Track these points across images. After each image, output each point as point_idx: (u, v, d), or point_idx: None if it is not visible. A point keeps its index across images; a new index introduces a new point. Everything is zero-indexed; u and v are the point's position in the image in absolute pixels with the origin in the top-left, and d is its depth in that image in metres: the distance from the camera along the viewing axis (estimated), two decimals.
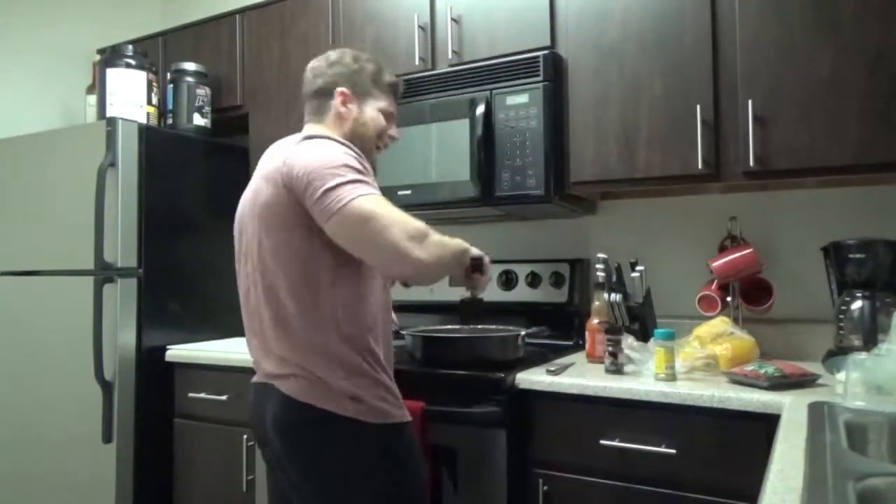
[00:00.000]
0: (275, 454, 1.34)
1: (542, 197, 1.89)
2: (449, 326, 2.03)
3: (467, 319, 1.73)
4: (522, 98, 1.91)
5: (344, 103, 1.43)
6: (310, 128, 1.45)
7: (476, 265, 1.48)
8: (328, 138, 1.33)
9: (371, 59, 1.49)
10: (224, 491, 2.13)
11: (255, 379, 1.42)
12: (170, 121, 2.55)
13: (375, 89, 1.47)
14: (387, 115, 1.49)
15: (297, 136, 1.38)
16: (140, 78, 2.44)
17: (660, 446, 1.45)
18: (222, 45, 2.64)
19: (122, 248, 2.19)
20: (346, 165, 1.25)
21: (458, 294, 1.73)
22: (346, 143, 1.34)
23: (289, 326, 1.30)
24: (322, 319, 1.29)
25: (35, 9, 2.89)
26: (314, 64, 1.49)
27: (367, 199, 1.21)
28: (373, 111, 1.46)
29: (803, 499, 0.73)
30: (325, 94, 1.45)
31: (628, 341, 1.65)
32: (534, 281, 2.18)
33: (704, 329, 1.71)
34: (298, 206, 1.26)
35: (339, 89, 1.43)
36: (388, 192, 1.62)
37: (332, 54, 1.48)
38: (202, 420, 2.20)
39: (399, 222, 1.21)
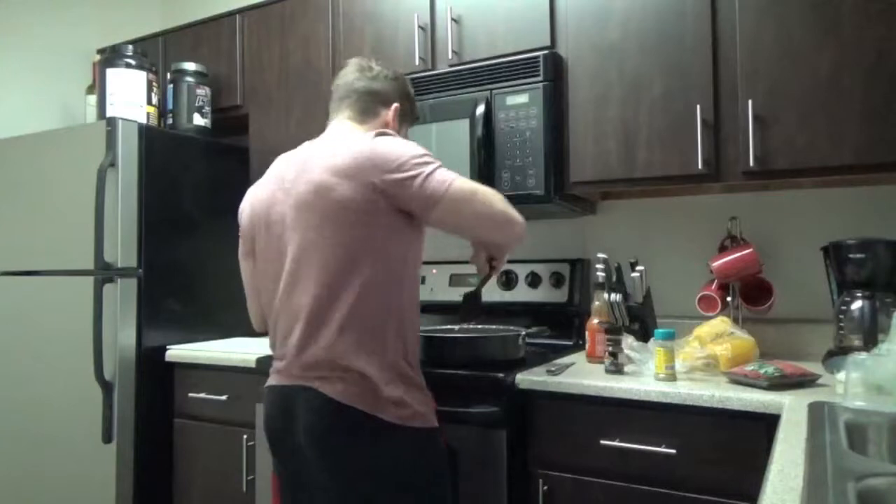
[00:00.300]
0: (306, 460, 1.29)
1: (542, 197, 1.89)
2: (449, 326, 2.03)
3: (467, 315, 1.74)
4: (522, 98, 1.91)
5: (395, 118, 1.48)
6: (350, 126, 1.43)
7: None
8: (395, 134, 1.36)
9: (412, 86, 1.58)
10: (224, 491, 2.13)
11: (277, 381, 1.36)
12: (170, 121, 2.55)
13: (410, 117, 1.55)
14: None
15: (354, 132, 1.37)
16: (140, 78, 2.44)
17: (660, 446, 1.45)
18: (222, 45, 2.64)
19: (122, 248, 2.19)
20: (427, 153, 1.32)
21: (457, 294, 1.73)
22: None
23: (351, 326, 1.26)
24: (390, 321, 1.30)
25: (35, 9, 2.89)
26: (373, 65, 1.49)
27: (461, 179, 1.30)
28: (403, 135, 1.51)
29: (803, 499, 0.73)
30: (378, 100, 1.46)
31: (628, 341, 1.65)
32: (534, 281, 2.18)
33: (704, 329, 1.71)
34: (380, 202, 1.26)
35: (396, 105, 1.48)
36: None
37: (392, 69, 1.52)
38: (202, 420, 2.20)
39: (493, 191, 1.36)
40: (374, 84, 1.46)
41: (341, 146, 1.32)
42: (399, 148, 1.29)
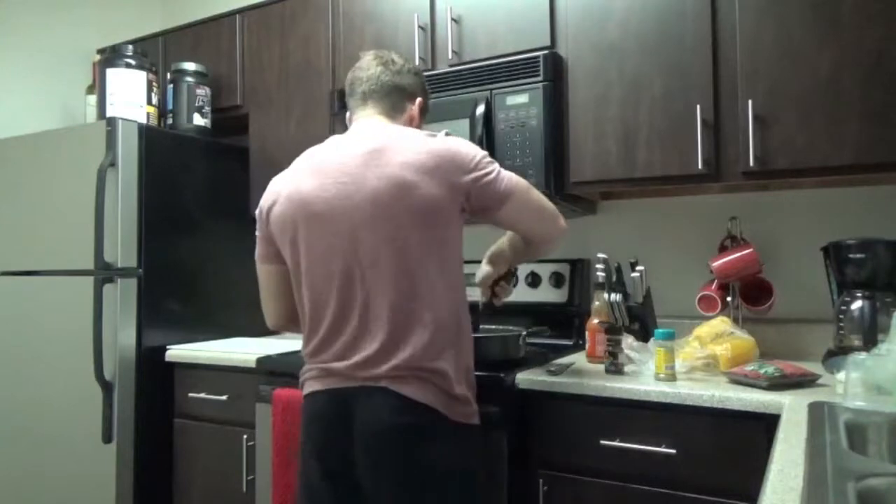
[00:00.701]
0: (367, 462, 1.25)
1: None
2: None
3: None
4: (522, 98, 1.91)
5: (419, 114, 1.49)
6: (385, 121, 1.41)
7: (509, 273, 1.64)
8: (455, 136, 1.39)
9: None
10: (224, 491, 2.13)
11: (334, 385, 1.29)
12: (170, 121, 2.55)
13: (426, 112, 1.55)
14: None
15: (408, 129, 1.36)
16: (140, 78, 2.44)
17: (659, 446, 1.45)
18: (222, 45, 2.64)
19: (122, 248, 2.19)
20: (487, 153, 1.36)
21: None
22: None
23: (436, 326, 1.26)
24: (461, 321, 1.32)
25: (35, 9, 2.89)
26: (396, 59, 1.46)
27: (515, 175, 1.38)
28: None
29: (803, 499, 0.73)
30: (405, 95, 1.45)
31: (628, 341, 1.65)
32: (534, 281, 2.18)
33: (704, 329, 1.71)
34: (458, 201, 1.29)
35: (420, 99, 1.48)
36: None
37: (411, 63, 1.50)
38: (202, 420, 2.20)
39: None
40: (399, 78, 1.44)
41: (412, 143, 1.28)
42: (472, 148, 1.34)
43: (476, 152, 1.32)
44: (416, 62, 2.14)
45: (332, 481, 1.30)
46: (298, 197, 1.32)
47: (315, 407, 1.32)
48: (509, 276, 1.65)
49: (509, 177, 1.35)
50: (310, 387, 1.34)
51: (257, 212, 1.43)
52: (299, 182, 1.34)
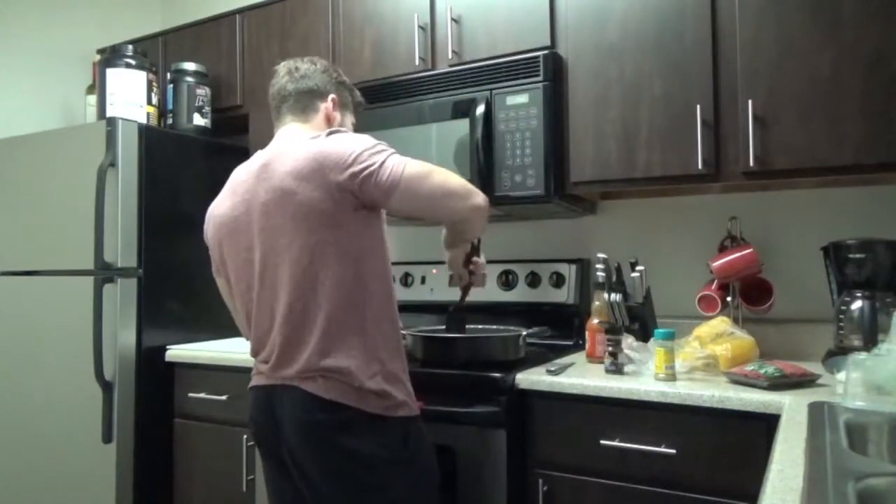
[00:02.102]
0: (292, 457, 1.32)
1: (542, 197, 1.89)
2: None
3: (454, 331, 1.76)
4: (522, 98, 1.91)
5: (334, 109, 1.50)
6: (298, 127, 1.46)
7: (474, 247, 1.63)
8: (346, 130, 1.39)
9: (346, 74, 1.60)
10: (224, 491, 2.13)
11: (261, 382, 1.39)
12: (170, 121, 2.55)
13: (351, 104, 1.58)
14: (354, 130, 1.56)
15: (305, 134, 1.39)
16: (140, 78, 2.44)
17: (660, 446, 1.45)
18: (222, 45, 2.64)
19: (122, 248, 2.19)
20: (380, 143, 1.34)
21: (457, 295, 1.74)
22: None
23: (329, 327, 1.29)
24: (366, 316, 1.32)
25: (35, 9, 2.89)
26: (300, 65, 1.50)
27: (414, 161, 1.33)
28: (348, 122, 1.56)
29: (803, 499, 0.73)
30: (315, 96, 1.48)
31: (628, 341, 1.65)
32: (534, 281, 2.18)
33: (704, 329, 1.71)
34: (344, 201, 1.28)
35: (332, 96, 1.50)
36: None
37: (318, 61, 1.53)
38: (202, 420, 2.20)
39: (451, 172, 1.40)
40: (304, 83, 1.48)
41: (296, 150, 1.33)
42: (352, 143, 1.31)
43: (354, 147, 1.29)
44: (416, 62, 2.14)
45: (276, 468, 1.40)
46: (219, 219, 1.45)
47: (251, 402, 1.43)
48: (477, 250, 1.66)
49: (394, 166, 1.29)
50: (251, 383, 1.45)
51: (203, 233, 1.55)
52: (219, 204, 1.46)
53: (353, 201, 1.29)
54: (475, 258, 1.65)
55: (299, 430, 1.29)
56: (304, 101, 1.47)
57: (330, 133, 1.35)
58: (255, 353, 1.43)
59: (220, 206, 1.46)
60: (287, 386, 1.31)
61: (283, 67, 1.52)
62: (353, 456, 1.28)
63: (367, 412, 1.28)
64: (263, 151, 1.43)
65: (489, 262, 1.85)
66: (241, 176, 1.43)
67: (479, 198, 1.41)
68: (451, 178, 1.37)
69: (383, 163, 1.29)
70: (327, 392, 1.27)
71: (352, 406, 1.27)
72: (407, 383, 1.39)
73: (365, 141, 1.33)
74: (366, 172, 1.28)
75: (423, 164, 1.34)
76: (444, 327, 1.96)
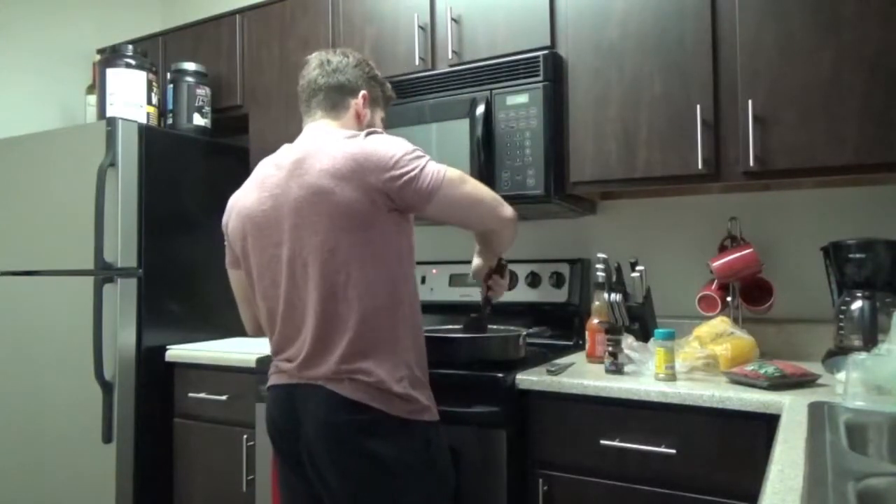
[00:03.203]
0: (311, 457, 1.30)
1: (542, 197, 1.89)
2: (450, 326, 2.03)
3: (469, 331, 1.76)
4: (522, 98, 1.91)
5: (364, 106, 1.48)
6: (329, 124, 1.43)
7: (500, 267, 1.66)
8: (382, 132, 1.38)
9: (378, 69, 1.56)
10: (224, 491, 2.13)
11: (283, 381, 1.37)
12: (170, 121, 2.55)
13: (381, 99, 1.55)
14: (384, 125, 1.57)
15: (339, 132, 1.36)
16: (140, 78, 2.44)
17: (660, 446, 1.45)
18: (222, 45, 2.64)
19: (122, 248, 2.19)
20: (418, 148, 1.34)
21: (457, 294, 1.74)
22: None
23: (362, 329, 1.28)
24: (397, 320, 1.31)
25: (35, 9, 2.89)
26: (332, 58, 1.47)
27: (450, 169, 1.35)
28: (378, 119, 1.54)
29: (803, 499, 0.73)
30: (346, 92, 1.46)
31: (628, 341, 1.65)
32: (534, 281, 2.18)
33: (704, 329, 1.71)
34: (381, 202, 1.27)
35: (363, 92, 1.48)
36: None
37: (351, 54, 1.50)
38: (202, 420, 2.20)
39: (478, 181, 1.42)
40: (335, 77, 1.45)
41: (334, 148, 1.31)
42: (392, 146, 1.30)
43: (395, 151, 1.29)
44: (416, 62, 2.14)
45: (291, 468, 1.39)
46: (245, 212, 1.41)
47: (270, 400, 1.41)
48: (502, 270, 1.68)
49: (435, 172, 1.30)
50: (270, 381, 1.42)
51: (222, 224, 1.51)
52: (245, 197, 1.42)
53: (389, 204, 1.29)
54: (496, 276, 1.67)
55: (321, 430, 1.28)
56: (335, 98, 1.45)
57: (368, 133, 1.34)
58: (278, 350, 1.40)
59: (246, 199, 1.41)
60: (312, 385, 1.30)
61: (314, 59, 1.48)
62: (374, 459, 1.27)
63: (392, 415, 1.27)
64: (294, 146, 1.40)
65: None
66: (270, 170, 1.39)
67: (508, 210, 1.45)
68: (482, 188, 1.42)
69: (423, 168, 1.30)
70: (353, 393, 1.26)
71: (376, 408, 1.26)
72: (429, 388, 1.39)
73: (404, 145, 1.32)
74: (407, 177, 1.27)
75: (458, 172, 1.36)
76: (443, 327, 1.96)
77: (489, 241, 1.56)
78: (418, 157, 1.31)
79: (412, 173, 1.28)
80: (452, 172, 1.34)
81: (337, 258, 1.28)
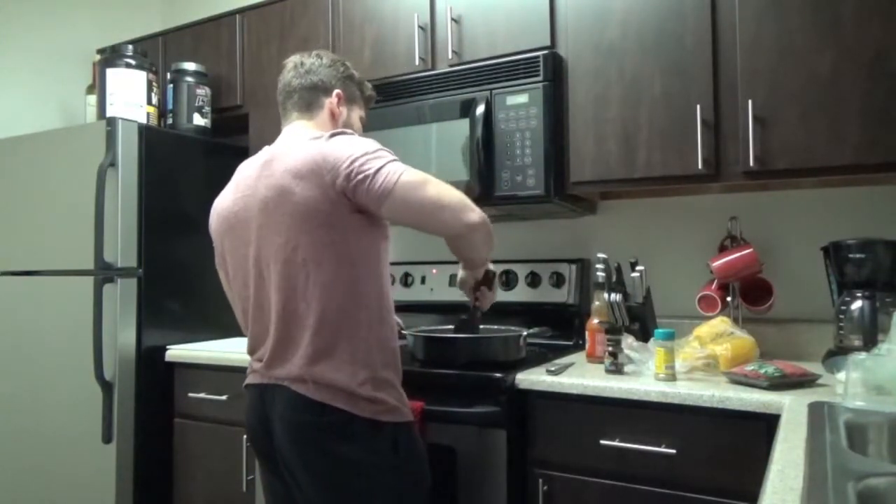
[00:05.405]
0: (282, 457, 1.32)
1: (542, 197, 1.89)
2: (450, 326, 2.02)
3: (462, 332, 1.76)
4: (522, 98, 1.91)
5: (339, 105, 1.49)
6: (302, 125, 1.45)
7: (487, 279, 1.63)
8: (350, 133, 1.37)
9: (354, 68, 1.57)
10: (224, 491, 2.13)
11: (255, 380, 1.40)
12: (170, 121, 2.55)
13: (359, 98, 1.56)
14: (363, 123, 1.57)
15: (308, 133, 1.38)
16: (140, 78, 2.44)
17: (660, 446, 1.45)
18: (222, 45, 2.64)
19: (122, 248, 2.19)
20: (381, 149, 1.32)
21: (457, 294, 1.74)
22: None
23: (321, 328, 1.28)
24: (359, 320, 1.30)
25: (35, 9, 2.89)
26: (305, 60, 1.49)
27: (412, 171, 1.29)
28: (356, 117, 1.54)
29: (803, 499, 0.73)
30: (320, 91, 1.47)
31: (628, 341, 1.65)
32: (534, 281, 2.18)
33: (704, 329, 1.71)
34: (341, 203, 1.27)
35: (337, 91, 1.49)
36: None
37: (325, 55, 1.52)
38: (202, 420, 2.20)
39: (449, 185, 1.33)
40: (308, 78, 1.47)
41: (297, 149, 1.33)
42: (352, 146, 1.29)
43: (353, 151, 1.27)
44: (416, 62, 2.14)
45: (270, 470, 1.40)
46: (223, 213, 1.44)
47: (246, 400, 1.44)
48: (490, 283, 1.66)
49: (389, 174, 1.25)
50: (245, 381, 1.45)
51: (209, 225, 1.53)
52: (224, 198, 1.46)
53: (349, 204, 1.28)
54: (483, 287, 1.64)
55: (288, 430, 1.29)
56: (308, 97, 1.46)
57: (333, 135, 1.34)
58: (251, 350, 1.43)
59: (224, 201, 1.45)
60: (279, 386, 1.31)
61: (290, 62, 1.51)
62: (341, 460, 1.27)
63: (358, 416, 1.27)
64: (269, 148, 1.43)
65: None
66: (245, 171, 1.43)
67: (475, 214, 1.33)
68: (447, 192, 1.31)
69: (379, 169, 1.26)
70: (317, 394, 1.27)
71: (342, 409, 1.26)
72: (400, 389, 1.37)
73: (366, 145, 1.30)
74: (360, 177, 1.26)
75: (421, 175, 1.29)
76: (444, 328, 1.96)
77: (458, 247, 1.47)
78: (377, 158, 1.28)
79: (365, 174, 1.25)
80: (411, 175, 1.28)
81: (297, 258, 1.28)
